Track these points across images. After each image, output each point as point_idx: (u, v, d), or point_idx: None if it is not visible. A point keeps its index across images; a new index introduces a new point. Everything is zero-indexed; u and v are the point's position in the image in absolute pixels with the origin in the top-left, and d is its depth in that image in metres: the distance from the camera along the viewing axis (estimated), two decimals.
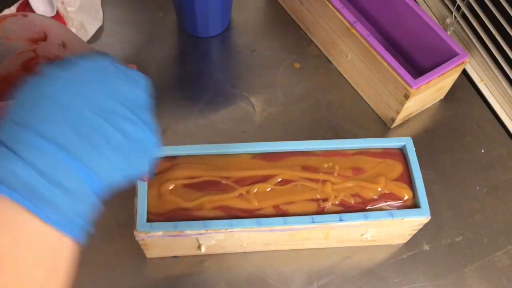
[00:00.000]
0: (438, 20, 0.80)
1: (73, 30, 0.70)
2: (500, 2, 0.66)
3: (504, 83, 0.71)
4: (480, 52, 0.73)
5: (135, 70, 0.37)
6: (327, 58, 0.75)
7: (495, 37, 0.69)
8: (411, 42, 0.70)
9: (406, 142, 0.58)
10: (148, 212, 0.52)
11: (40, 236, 0.30)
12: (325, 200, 0.54)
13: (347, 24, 0.67)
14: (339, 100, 0.72)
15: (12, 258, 0.29)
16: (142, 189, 0.53)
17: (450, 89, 0.72)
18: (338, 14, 0.67)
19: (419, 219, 0.55)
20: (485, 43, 0.71)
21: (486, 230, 0.64)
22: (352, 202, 0.54)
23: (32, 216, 0.30)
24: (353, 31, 0.66)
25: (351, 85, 0.73)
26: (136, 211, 0.52)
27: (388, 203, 0.55)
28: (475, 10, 0.71)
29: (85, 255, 0.59)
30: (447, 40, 0.65)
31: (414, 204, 0.55)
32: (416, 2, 0.73)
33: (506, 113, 0.73)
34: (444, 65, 0.64)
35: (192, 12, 0.71)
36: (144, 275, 0.59)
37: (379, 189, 0.55)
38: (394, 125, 0.70)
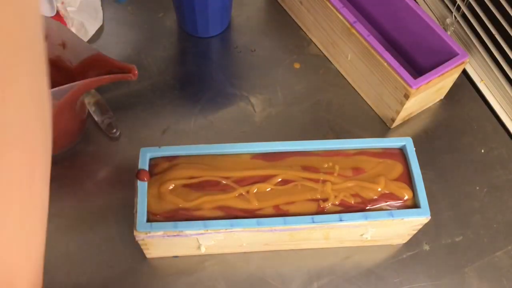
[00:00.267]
0: (438, 20, 0.80)
1: (73, 30, 0.70)
2: (500, 2, 0.66)
3: (504, 83, 0.71)
4: (480, 52, 0.73)
5: None
6: (327, 58, 0.75)
7: (495, 37, 0.69)
8: (411, 42, 0.70)
9: (406, 142, 0.58)
10: (148, 212, 0.52)
11: None
12: (325, 200, 0.54)
13: (347, 24, 0.67)
14: (339, 100, 0.72)
15: None
16: (142, 189, 0.53)
17: (450, 89, 0.72)
18: (338, 14, 0.67)
19: (419, 219, 0.55)
20: (485, 43, 0.71)
21: (486, 230, 0.64)
22: (352, 202, 0.54)
23: None
24: (353, 31, 0.66)
25: (351, 85, 0.73)
26: (136, 211, 0.52)
27: (388, 203, 0.55)
28: (475, 10, 0.71)
29: (85, 255, 0.60)
30: (447, 40, 0.65)
31: (414, 204, 0.55)
32: (416, 2, 0.73)
33: (506, 113, 0.73)
34: (444, 65, 0.64)
35: (192, 12, 0.71)
36: (144, 275, 0.59)
37: (379, 189, 0.55)
38: (394, 125, 0.70)
